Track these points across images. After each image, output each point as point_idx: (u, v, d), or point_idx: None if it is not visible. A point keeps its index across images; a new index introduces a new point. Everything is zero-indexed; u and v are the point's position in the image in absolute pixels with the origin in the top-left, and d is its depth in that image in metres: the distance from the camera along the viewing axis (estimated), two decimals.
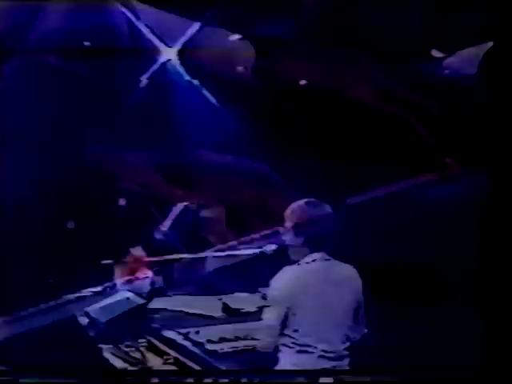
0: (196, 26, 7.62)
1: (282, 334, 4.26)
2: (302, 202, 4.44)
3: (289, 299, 4.23)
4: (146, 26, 7.67)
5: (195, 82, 8.04)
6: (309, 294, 4.24)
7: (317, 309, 4.23)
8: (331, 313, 4.27)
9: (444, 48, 6.95)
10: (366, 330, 4.47)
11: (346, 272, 4.40)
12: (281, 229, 4.48)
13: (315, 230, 4.33)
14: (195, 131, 7.82)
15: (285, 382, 4.33)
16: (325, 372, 4.26)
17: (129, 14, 7.54)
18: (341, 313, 4.30)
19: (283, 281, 4.30)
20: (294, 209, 4.43)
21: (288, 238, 4.43)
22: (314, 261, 4.34)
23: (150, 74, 7.95)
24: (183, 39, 7.80)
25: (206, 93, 8.03)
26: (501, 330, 5.12)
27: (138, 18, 7.59)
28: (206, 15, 7.48)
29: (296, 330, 4.22)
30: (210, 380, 4.31)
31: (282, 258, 5.08)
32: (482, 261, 5.56)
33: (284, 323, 4.24)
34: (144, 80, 7.89)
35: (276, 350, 4.30)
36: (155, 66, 7.97)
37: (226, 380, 4.30)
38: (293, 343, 4.23)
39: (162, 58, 7.98)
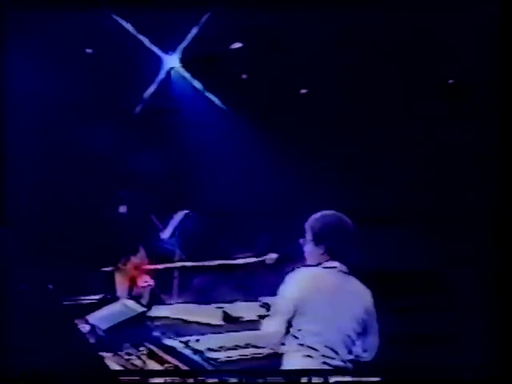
0: (194, 30, 7.62)
1: (286, 334, 4.26)
2: (322, 213, 4.48)
3: (299, 296, 4.24)
4: (145, 35, 7.69)
5: (200, 86, 8.05)
6: (319, 297, 4.25)
7: (324, 312, 4.24)
8: (337, 320, 4.27)
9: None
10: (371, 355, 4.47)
11: (360, 289, 4.41)
12: (301, 240, 4.48)
13: (335, 240, 4.35)
14: (202, 136, 7.83)
15: (289, 383, 4.33)
16: (330, 372, 4.25)
17: (126, 25, 7.54)
18: (346, 324, 4.30)
19: (298, 277, 4.33)
20: (315, 220, 4.46)
21: (308, 248, 4.45)
22: (332, 267, 4.35)
23: (157, 83, 7.96)
24: (183, 45, 7.81)
25: (211, 97, 8.04)
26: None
27: (136, 29, 7.60)
28: (202, 19, 7.47)
29: (301, 330, 4.23)
30: (215, 380, 4.31)
31: (282, 267, 5.10)
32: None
33: (290, 323, 4.25)
34: (151, 89, 7.91)
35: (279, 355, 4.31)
36: (160, 75, 7.99)
37: (235, 380, 4.30)
38: (297, 344, 4.23)
39: (166, 67, 7.99)
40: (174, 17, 7.13)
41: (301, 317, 4.25)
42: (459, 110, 7.13)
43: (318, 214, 4.47)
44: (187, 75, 8.03)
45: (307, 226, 4.46)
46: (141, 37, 7.64)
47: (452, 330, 6.23)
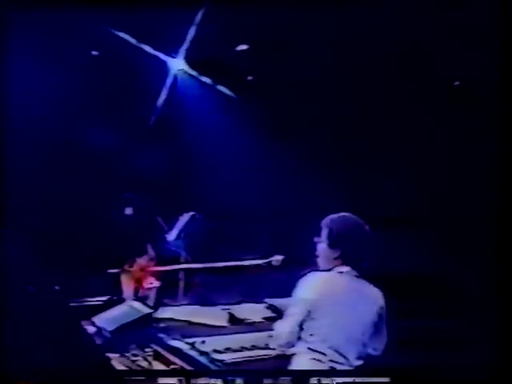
0: (192, 30, 7.63)
1: (298, 338, 4.26)
2: (341, 215, 4.39)
3: (313, 299, 4.22)
4: (148, 44, 7.72)
5: (209, 81, 8.07)
6: (331, 302, 4.22)
7: (336, 318, 4.22)
8: (348, 326, 4.25)
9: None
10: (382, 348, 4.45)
11: (372, 292, 4.36)
12: (316, 238, 4.43)
13: (351, 246, 4.31)
14: (208, 139, 7.85)
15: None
16: (337, 373, 4.25)
17: (129, 38, 7.58)
18: (357, 329, 4.27)
19: (312, 280, 4.29)
20: (333, 221, 4.37)
21: (322, 249, 4.40)
22: (344, 272, 4.33)
23: (163, 87, 7.99)
24: (184, 47, 7.83)
25: (221, 89, 8.05)
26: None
27: (139, 40, 7.63)
28: (196, 18, 7.47)
29: (312, 335, 4.22)
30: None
31: (288, 269, 5.10)
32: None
33: (301, 327, 4.24)
34: (157, 94, 7.94)
35: (285, 357, 4.31)
36: (166, 79, 8.01)
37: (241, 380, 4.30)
38: (307, 347, 4.23)
39: (173, 70, 8.02)
40: (172, 20, 7.15)
41: (312, 320, 4.23)
42: (465, 113, 7.14)
43: (336, 215, 4.38)
44: (194, 73, 8.06)
45: (324, 225, 4.37)
46: (143, 46, 7.69)
47: (453, 330, 6.24)
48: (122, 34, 7.47)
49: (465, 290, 6.48)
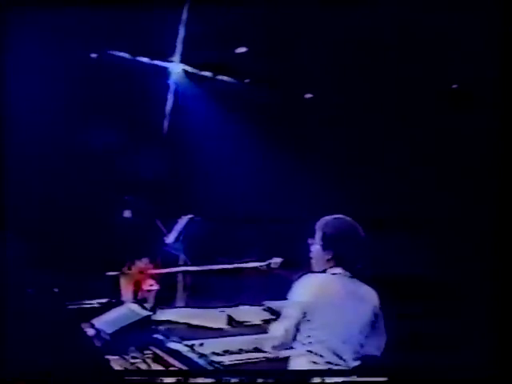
0: (181, 31, 7.63)
1: (294, 340, 4.27)
2: (334, 217, 4.44)
3: (308, 302, 4.24)
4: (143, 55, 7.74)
5: (210, 74, 8.07)
6: (327, 303, 4.24)
7: (332, 319, 4.23)
8: (344, 327, 4.27)
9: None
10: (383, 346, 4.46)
11: (366, 292, 4.39)
12: (310, 240, 4.46)
13: (344, 248, 4.33)
14: (208, 142, 7.85)
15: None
16: (335, 373, 4.26)
17: (122, 55, 7.60)
18: (354, 329, 4.29)
19: (306, 283, 4.31)
20: (327, 223, 4.42)
21: (315, 250, 4.42)
22: (337, 274, 4.34)
23: (173, 90, 8.00)
24: (178, 49, 7.83)
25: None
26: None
27: (133, 54, 7.66)
28: (183, 18, 7.45)
29: (308, 337, 4.23)
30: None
31: (287, 272, 5.11)
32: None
33: (297, 329, 4.25)
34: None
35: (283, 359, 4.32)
36: (172, 83, 8.02)
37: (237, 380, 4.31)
38: (304, 350, 4.24)
39: (173, 73, 8.03)
40: (170, 22, 7.15)
41: (308, 323, 4.25)
42: (463, 116, 7.14)
43: (330, 218, 4.43)
44: (193, 71, 8.05)
45: (318, 227, 4.42)
46: (140, 58, 7.71)
47: (453, 330, 6.24)
48: (117, 53, 7.51)
49: (464, 290, 6.48)
